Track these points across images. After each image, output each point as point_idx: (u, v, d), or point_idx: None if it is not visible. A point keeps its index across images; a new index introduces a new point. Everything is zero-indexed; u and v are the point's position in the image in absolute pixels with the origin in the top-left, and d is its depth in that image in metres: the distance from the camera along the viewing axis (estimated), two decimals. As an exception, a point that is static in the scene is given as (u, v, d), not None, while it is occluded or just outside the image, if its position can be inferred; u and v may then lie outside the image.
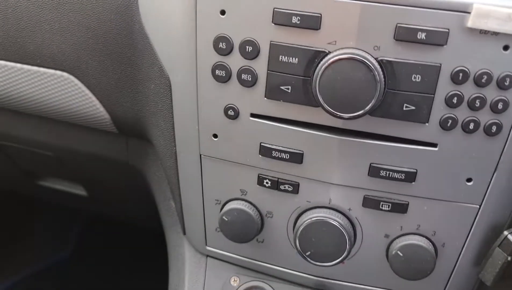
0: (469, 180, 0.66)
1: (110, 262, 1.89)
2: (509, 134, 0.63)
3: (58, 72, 0.84)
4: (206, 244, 0.83)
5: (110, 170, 1.02)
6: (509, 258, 0.67)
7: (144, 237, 1.63)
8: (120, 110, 0.83)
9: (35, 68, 0.85)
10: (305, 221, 0.71)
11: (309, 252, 0.72)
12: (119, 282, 1.85)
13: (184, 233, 0.86)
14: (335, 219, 0.70)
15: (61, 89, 0.85)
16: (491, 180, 0.66)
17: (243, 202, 0.75)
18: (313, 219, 0.71)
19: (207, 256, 0.84)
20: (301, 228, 0.71)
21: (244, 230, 0.75)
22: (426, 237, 0.71)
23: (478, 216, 0.69)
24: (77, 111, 0.87)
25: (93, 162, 1.01)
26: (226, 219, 0.75)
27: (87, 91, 0.84)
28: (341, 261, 0.72)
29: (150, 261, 1.61)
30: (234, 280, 0.81)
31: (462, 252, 0.72)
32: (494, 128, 0.63)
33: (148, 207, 1.03)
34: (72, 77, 0.83)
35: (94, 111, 0.86)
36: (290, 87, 0.65)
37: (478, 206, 0.68)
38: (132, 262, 1.87)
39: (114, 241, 1.93)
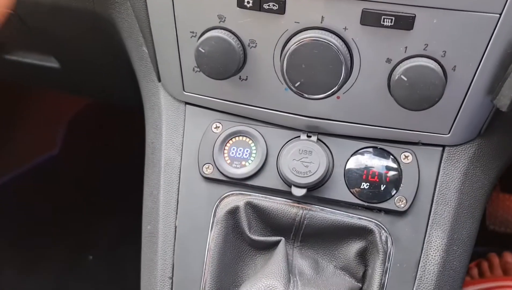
0: (489, -20, 0.56)
1: (99, 156, 1.84)
2: None
3: None
4: (183, 89, 0.73)
5: (77, 26, 0.90)
6: (531, 74, 0.58)
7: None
8: None
9: None
10: (293, 44, 0.61)
11: (298, 83, 0.63)
12: (108, 171, 1.81)
13: (159, 79, 0.76)
14: (328, 39, 0.60)
15: None
16: (515, -21, 0.55)
17: (222, 30, 0.65)
18: (302, 41, 0.61)
19: (186, 103, 0.75)
20: (289, 53, 0.61)
21: (224, 62, 0.65)
22: (435, 60, 0.61)
23: (497, 28, 0.58)
24: None
25: (57, 17, 0.90)
26: (203, 51, 0.65)
27: None
28: (336, 93, 0.63)
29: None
30: (216, 127, 0.72)
31: (475, 76, 0.62)
32: None
33: (123, 72, 0.93)
34: None
35: None
36: None
37: (498, 15, 0.57)
38: (120, 149, 1.82)
39: (101, 134, 1.87)
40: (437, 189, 0.68)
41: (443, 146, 0.69)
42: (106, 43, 0.91)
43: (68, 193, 1.79)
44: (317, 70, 0.62)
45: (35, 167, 1.80)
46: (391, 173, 0.68)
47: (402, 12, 0.59)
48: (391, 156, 0.69)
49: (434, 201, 0.68)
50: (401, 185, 0.68)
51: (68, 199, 1.77)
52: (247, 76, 0.69)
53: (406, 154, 0.69)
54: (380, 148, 0.69)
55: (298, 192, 0.66)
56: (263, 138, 0.71)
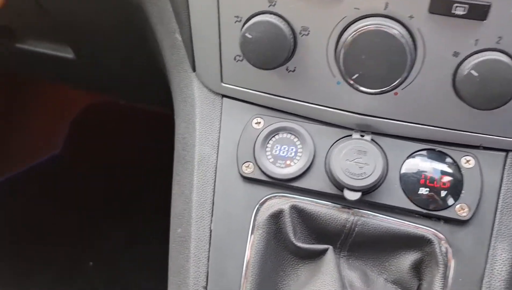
0: None
1: (102, 157, 1.78)
2: None
3: None
4: (221, 80, 0.67)
5: (99, 8, 0.84)
6: None
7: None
8: None
9: None
10: (352, 33, 0.56)
11: (356, 75, 0.57)
12: (112, 172, 1.74)
13: (194, 69, 0.70)
14: (393, 27, 0.55)
15: None
16: None
17: (271, 15, 0.59)
18: (362, 29, 0.55)
19: (223, 96, 0.69)
20: (347, 42, 0.56)
21: (273, 50, 0.59)
22: (508, 54, 0.55)
23: None
24: None
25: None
26: (250, 37, 0.59)
27: None
28: (396, 88, 0.58)
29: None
30: (257, 122, 0.66)
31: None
32: None
33: (145, 62, 0.87)
34: None
35: None
36: None
37: None
38: (124, 149, 1.75)
39: (104, 134, 1.81)
40: (500, 197, 0.62)
41: (507, 151, 0.64)
42: (129, 30, 0.85)
43: (70, 194, 1.72)
44: (379, 61, 0.56)
45: (37, 167, 1.73)
46: (452, 178, 0.62)
47: (477, 0, 0.54)
48: (451, 160, 0.63)
49: (498, 210, 0.62)
50: (463, 191, 0.62)
51: (70, 201, 1.70)
52: (295, 67, 0.63)
53: (468, 158, 0.63)
54: (439, 151, 0.63)
55: (352, 195, 0.60)
56: (310, 136, 0.65)
